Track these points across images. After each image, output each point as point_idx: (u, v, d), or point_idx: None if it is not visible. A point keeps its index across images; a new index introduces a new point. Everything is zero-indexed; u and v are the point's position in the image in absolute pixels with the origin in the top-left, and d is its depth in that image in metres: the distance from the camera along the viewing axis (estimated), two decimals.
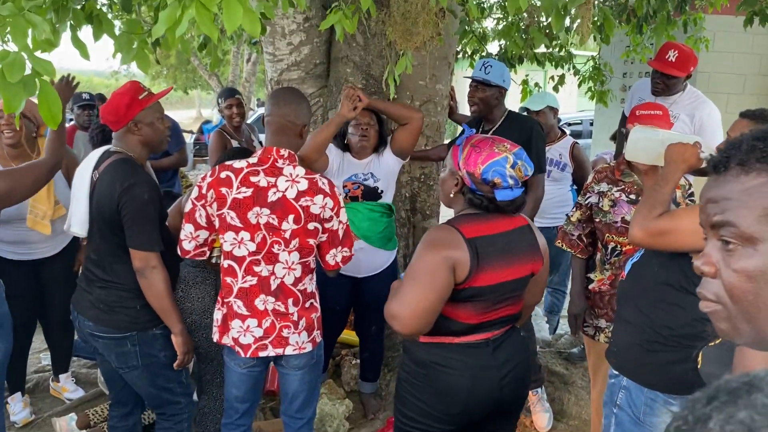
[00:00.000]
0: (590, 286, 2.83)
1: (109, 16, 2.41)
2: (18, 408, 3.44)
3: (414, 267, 1.84)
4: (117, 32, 2.26)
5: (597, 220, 2.74)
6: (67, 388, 3.68)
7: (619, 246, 2.71)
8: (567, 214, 3.03)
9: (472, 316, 1.90)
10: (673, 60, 3.56)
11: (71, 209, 2.50)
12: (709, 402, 0.53)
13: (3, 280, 3.33)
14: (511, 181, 1.87)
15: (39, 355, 4.16)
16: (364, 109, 3.04)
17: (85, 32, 2.28)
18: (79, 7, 2.06)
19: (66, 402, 3.62)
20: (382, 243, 3.16)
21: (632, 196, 2.80)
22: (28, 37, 1.42)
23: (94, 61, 2.01)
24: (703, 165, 2.04)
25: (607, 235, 2.72)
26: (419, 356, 1.97)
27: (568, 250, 2.92)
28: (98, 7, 2.14)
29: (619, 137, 4.26)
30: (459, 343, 1.92)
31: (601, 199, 2.75)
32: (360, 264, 3.06)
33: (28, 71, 1.37)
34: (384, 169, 3.14)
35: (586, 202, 2.83)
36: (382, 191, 3.13)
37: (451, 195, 1.98)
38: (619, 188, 2.77)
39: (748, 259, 0.78)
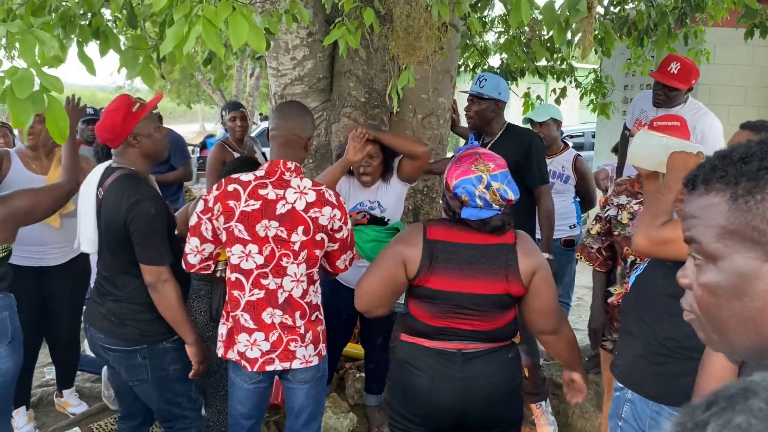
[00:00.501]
0: (609, 300, 2.82)
1: (114, 31, 2.43)
2: (22, 422, 3.43)
3: (378, 254, 2.06)
4: (122, 47, 2.29)
5: (616, 233, 2.70)
6: (70, 402, 3.68)
7: (638, 259, 2.69)
8: (587, 228, 3.03)
9: (427, 316, 1.98)
10: (675, 72, 3.58)
11: (79, 227, 2.51)
12: (707, 408, 0.54)
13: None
14: (479, 202, 1.88)
15: (43, 369, 4.16)
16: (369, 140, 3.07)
17: (91, 48, 2.31)
18: (85, 23, 2.08)
19: (70, 416, 3.61)
20: None
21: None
22: (35, 53, 1.43)
23: (98, 76, 2.03)
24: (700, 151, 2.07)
25: (626, 248, 2.69)
26: (399, 354, 2.10)
27: (588, 263, 2.91)
28: (105, 22, 2.16)
29: (621, 149, 4.27)
30: (429, 347, 2.00)
31: (620, 212, 2.75)
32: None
33: (36, 87, 1.39)
34: (392, 197, 3.13)
35: (605, 215, 2.82)
36: (388, 220, 3.13)
37: (440, 201, 2.04)
38: (638, 201, 2.76)
39: (710, 274, 0.81)
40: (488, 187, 1.86)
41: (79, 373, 3.88)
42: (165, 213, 2.36)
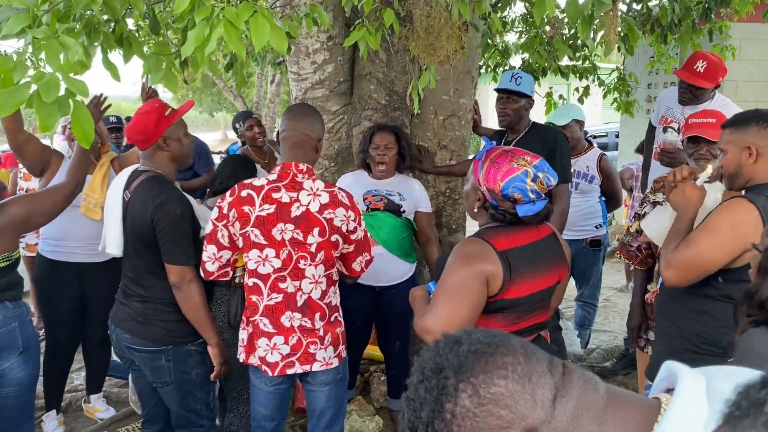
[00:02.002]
0: (645, 297, 2.80)
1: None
2: (52, 426, 3.48)
3: (447, 281, 1.82)
4: (145, 54, 2.31)
5: None
6: (98, 408, 3.71)
7: None
8: (627, 227, 3.00)
9: (503, 327, 1.89)
10: (702, 71, 3.51)
11: (105, 230, 2.53)
12: (764, 386, 0.52)
13: (48, 284, 3.40)
14: (532, 195, 1.84)
15: (72, 375, 4.21)
16: (386, 131, 3.08)
17: (115, 57, 2.33)
18: (109, 30, 2.11)
19: (98, 421, 3.65)
20: (401, 252, 3.13)
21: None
22: (61, 59, 1.45)
23: (121, 86, 2.06)
24: (706, 182, 2.08)
25: None
26: None
27: (627, 261, 2.89)
28: (128, 29, 2.18)
29: (647, 147, 4.21)
30: None
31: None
32: (378, 272, 3.02)
33: (62, 92, 1.40)
34: (413, 195, 3.15)
35: (643, 212, 2.79)
36: (404, 211, 3.12)
37: (475, 209, 1.98)
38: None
39: None
40: (535, 179, 1.83)
41: (107, 378, 3.92)
42: (191, 215, 2.38)
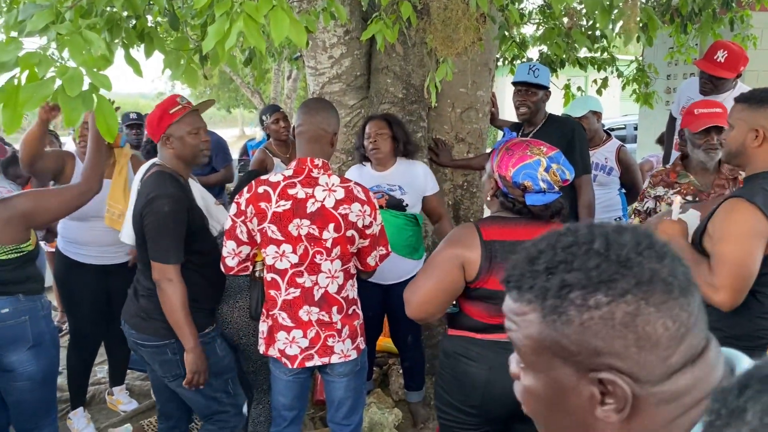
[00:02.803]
0: None
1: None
2: (82, 424, 3.49)
3: (430, 258, 1.96)
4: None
5: None
6: (121, 400, 3.76)
7: None
8: (627, 223, 2.96)
9: (485, 316, 1.94)
10: (722, 61, 3.47)
11: (125, 219, 2.58)
12: (741, 392, 0.49)
13: (68, 281, 3.43)
14: (543, 185, 1.84)
15: (95, 368, 4.27)
16: (377, 119, 3.09)
17: (135, 54, 2.36)
18: (130, 26, 2.13)
19: (121, 414, 3.70)
20: (407, 251, 3.13)
21: (689, 198, 2.73)
22: (84, 54, 1.47)
23: (139, 83, 2.09)
24: (679, 217, 2.08)
25: None
26: (446, 347, 2.05)
27: None
28: (149, 25, 2.21)
29: (667, 138, 4.17)
30: (481, 339, 1.97)
31: (658, 204, 2.68)
32: (385, 271, 3.03)
33: (86, 87, 1.42)
34: (417, 184, 3.13)
35: (644, 207, 2.76)
36: (407, 204, 3.11)
37: (488, 198, 1.99)
38: (675, 191, 2.70)
39: (530, 379, 0.79)
40: (548, 169, 1.83)
41: (129, 371, 3.97)
42: (183, 213, 2.33)
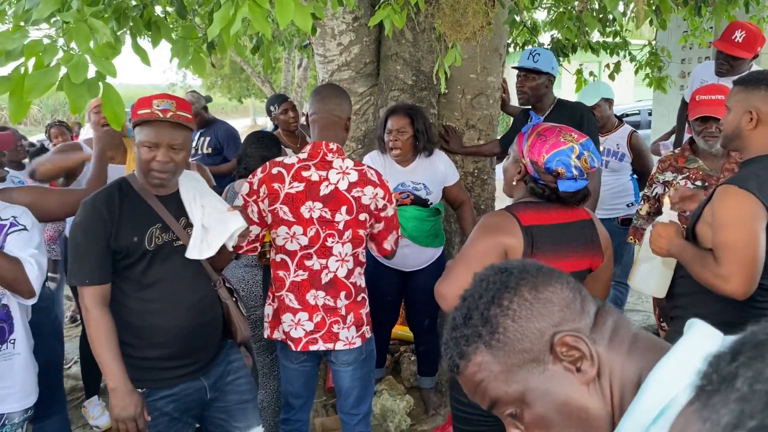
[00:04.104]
0: None
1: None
2: (97, 412, 3.50)
3: (467, 249, 1.85)
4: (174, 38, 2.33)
5: None
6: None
7: None
8: (636, 209, 2.93)
9: None
10: (740, 41, 3.44)
11: (194, 233, 2.53)
12: (734, 358, 0.49)
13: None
14: (575, 172, 1.82)
15: None
16: (400, 114, 3.06)
17: (144, 45, 2.35)
18: (138, 15, 2.13)
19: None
20: (428, 241, 3.16)
21: (698, 183, 2.70)
22: (90, 42, 1.47)
23: (151, 75, 2.06)
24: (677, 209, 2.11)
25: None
26: None
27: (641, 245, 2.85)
28: (156, 13, 2.20)
29: (679, 123, 4.12)
30: None
31: (667, 189, 2.66)
32: (406, 259, 3.06)
33: (92, 74, 1.43)
34: (438, 179, 3.15)
35: (653, 193, 2.73)
36: (431, 203, 3.14)
37: (514, 183, 1.95)
38: (684, 176, 2.67)
39: (529, 413, 0.85)
40: (580, 156, 1.81)
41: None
42: (91, 225, 1.93)
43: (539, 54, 3.18)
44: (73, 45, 1.51)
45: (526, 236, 1.81)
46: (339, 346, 2.31)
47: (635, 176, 4.18)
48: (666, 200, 2.14)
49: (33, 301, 2.04)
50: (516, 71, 3.27)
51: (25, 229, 2.06)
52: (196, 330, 2.05)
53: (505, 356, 0.83)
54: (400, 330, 3.74)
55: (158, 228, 1.99)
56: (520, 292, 0.85)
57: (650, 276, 2.19)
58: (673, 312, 2.14)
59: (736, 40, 3.44)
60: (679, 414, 0.57)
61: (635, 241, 2.90)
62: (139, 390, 1.95)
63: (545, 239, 1.83)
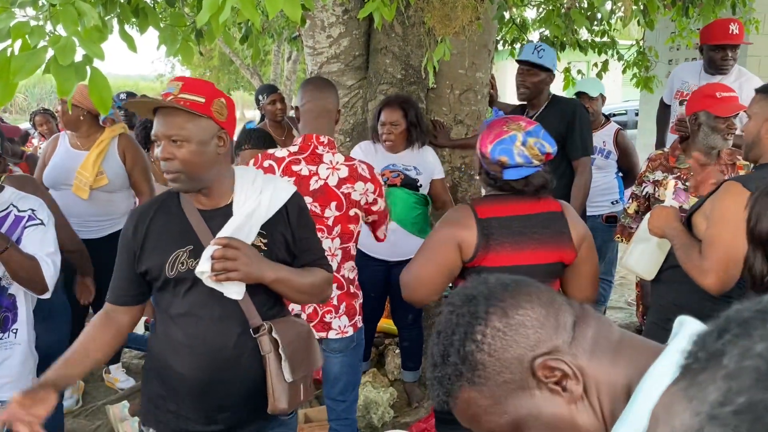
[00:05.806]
0: None
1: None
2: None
3: (425, 241, 1.99)
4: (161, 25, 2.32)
5: None
6: (118, 378, 3.79)
7: None
8: (624, 207, 2.95)
9: None
10: (737, 33, 3.55)
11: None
12: (720, 335, 0.48)
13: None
14: (519, 159, 1.83)
15: None
16: (394, 107, 3.07)
17: (131, 33, 2.33)
18: (125, 1, 2.12)
19: (119, 391, 3.72)
20: (415, 229, 3.14)
21: (689, 183, 2.72)
22: (78, 25, 1.47)
23: (139, 65, 2.06)
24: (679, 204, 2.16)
25: None
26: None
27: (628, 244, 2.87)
28: (144, 0, 2.19)
29: (659, 124, 4.16)
30: None
31: (657, 189, 2.68)
32: (392, 247, 3.05)
33: (79, 58, 1.42)
34: (428, 167, 3.16)
35: (643, 192, 2.75)
36: (421, 185, 3.14)
37: (476, 177, 2.00)
38: (674, 176, 2.69)
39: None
40: (524, 143, 1.83)
41: (126, 350, 3.99)
42: (122, 239, 1.74)
43: (544, 50, 3.18)
44: (60, 28, 1.51)
45: (480, 228, 1.85)
46: (332, 334, 2.33)
47: (620, 174, 4.22)
48: (671, 183, 2.16)
49: (45, 296, 2.04)
50: (504, 69, 3.28)
51: (42, 223, 2.05)
52: (214, 385, 1.63)
53: (490, 390, 0.84)
54: (385, 323, 3.75)
55: (187, 251, 1.62)
56: (490, 322, 0.84)
57: (642, 257, 2.22)
58: (653, 300, 2.20)
59: (734, 33, 3.52)
60: (664, 393, 0.54)
61: (622, 240, 2.92)
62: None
63: (502, 231, 1.86)
